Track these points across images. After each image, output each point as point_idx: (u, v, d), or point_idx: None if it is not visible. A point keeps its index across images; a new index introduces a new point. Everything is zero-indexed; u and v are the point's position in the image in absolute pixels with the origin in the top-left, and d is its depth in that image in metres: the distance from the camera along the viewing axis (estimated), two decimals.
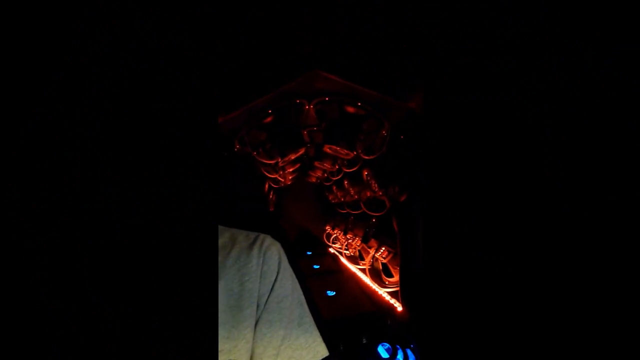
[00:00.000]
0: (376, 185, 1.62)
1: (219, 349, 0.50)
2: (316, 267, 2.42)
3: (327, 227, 2.99)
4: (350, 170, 1.78)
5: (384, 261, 1.71)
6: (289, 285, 0.60)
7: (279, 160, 1.65)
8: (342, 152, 1.65)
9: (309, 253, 2.82)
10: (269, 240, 0.62)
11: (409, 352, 1.16)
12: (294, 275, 0.62)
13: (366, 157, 1.50)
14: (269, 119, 1.41)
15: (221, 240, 0.59)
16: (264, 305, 0.55)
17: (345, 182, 2.18)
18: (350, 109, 1.40)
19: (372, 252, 1.82)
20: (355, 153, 1.59)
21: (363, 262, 2.01)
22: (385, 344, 1.24)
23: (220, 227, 0.62)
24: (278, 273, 0.59)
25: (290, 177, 2.36)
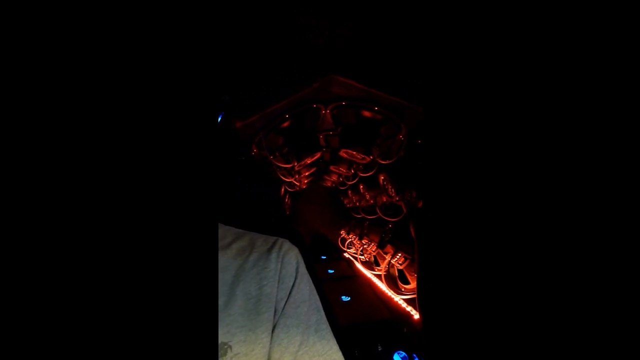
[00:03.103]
0: (393, 190, 1.60)
1: (236, 352, 0.50)
2: (331, 271, 2.41)
3: (342, 232, 2.98)
4: (366, 174, 1.77)
5: (400, 267, 1.69)
6: (307, 291, 0.60)
7: (295, 164, 1.66)
8: (358, 156, 1.64)
9: (323, 257, 2.82)
10: (287, 244, 0.62)
11: None
12: (311, 281, 0.62)
13: (382, 162, 1.49)
14: (286, 124, 1.43)
15: (240, 244, 0.59)
16: (282, 310, 0.55)
17: (361, 187, 2.17)
18: (367, 114, 1.39)
19: (388, 258, 1.80)
20: (371, 157, 1.58)
21: (379, 267, 1.99)
22: (401, 352, 1.22)
23: (239, 231, 0.62)
24: (296, 278, 0.59)
25: (305, 181, 2.37)
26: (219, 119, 0.58)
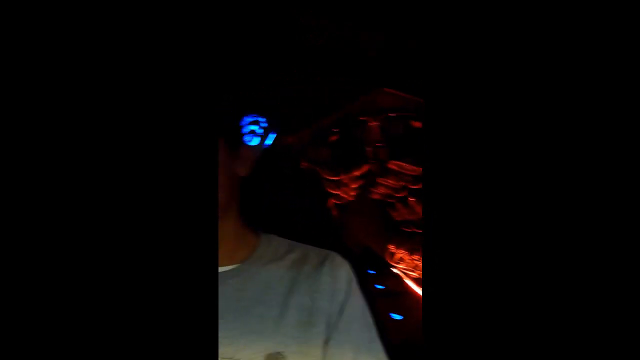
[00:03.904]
0: None
1: None
2: (380, 287, 2.33)
3: (391, 246, 2.89)
4: (417, 187, 1.70)
5: None
6: (359, 307, 0.59)
7: (343, 176, 1.66)
8: (408, 168, 1.60)
9: (372, 272, 2.74)
10: (339, 259, 0.62)
11: None
12: (363, 297, 0.61)
13: None
14: (334, 137, 1.45)
15: (294, 256, 0.61)
16: (334, 325, 0.55)
17: (411, 200, 2.10)
18: (417, 124, 1.36)
19: None
20: (421, 169, 1.52)
21: None
22: None
23: (292, 243, 0.64)
24: (348, 293, 0.59)
25: (353, 194, 2.36)
26: (273, 139, 0.60)
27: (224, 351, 0.47)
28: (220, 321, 0.50)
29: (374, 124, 1.42)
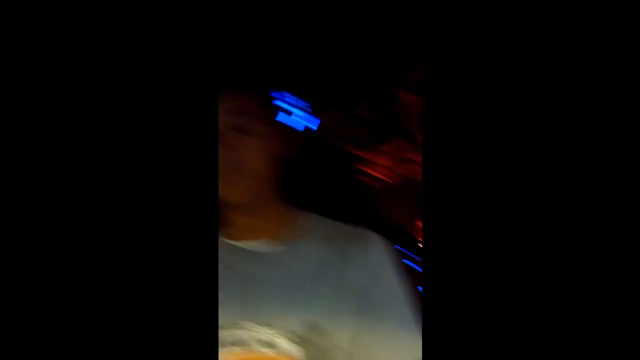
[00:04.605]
0: None
1: (324, 330, 0.54)
2: (411, 263, 2.34)
3: (419, 223, 2.86)
4: None
5: None
6: (392, 280, 0.61)
7: (374, 154, 1.65)
8: None
9: (401, 249, 2.75)
10: (372, 235, 0.64)
11: None
12: (396, 271, 0.62)
13: None
14: (365, 114, 1.42)
15: (330, 233, 0.63)
16: (368, 298, 0.57)
17: None
18: None
19: None
20: None
21: None
22: None
23: (327, 220, 0.66)
24: (381, 267, 0.61)
25: (384, 171, 2.34)
26: (317, 124, 0.61)
27: (262, 319, 0.52)
28: (261, 292, 0.54)
29: (407, 98, 1.38)
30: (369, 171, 1.97)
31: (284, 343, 0.52)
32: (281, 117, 0.60)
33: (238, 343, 0.51)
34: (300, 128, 0.64)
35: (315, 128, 0.62)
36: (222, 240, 0.55)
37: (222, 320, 0.37)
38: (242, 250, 0.58)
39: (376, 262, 0.59)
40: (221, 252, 0.40)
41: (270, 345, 0.51)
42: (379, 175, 2.34)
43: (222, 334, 0.49)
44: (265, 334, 0.52)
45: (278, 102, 0.59)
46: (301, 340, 0.53)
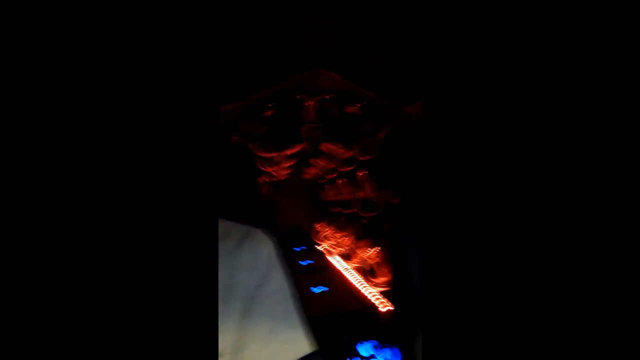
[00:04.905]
0: (370, 187, 1.63)
1: None
2: (305, 263, 2.43)
3: (317, 225, 3.00)
4: (346, 170, 1.78)
5: (372, 262, 1.73)
6: (278, 281, 0.61)
7: (275, 154, 1.65)
8: (339, 151, 1.65)
9: (298, 249, 2.83)
10: (260, 235, 0.63)
11: (391, 351, 1.18)
12: (283, 272, 0.63)
13: (362, 158, 1.51)
14: (268, 113, 1.42)
15: (218, 232, 0.59)
16: (253, 299, 0.56)
17: (339, 182, 2.19)
18: (351, 109, 1.40)
19: (361, 252, 1.84)
20: (351, 153, 1.59)
21: (352, 261, 2.03)
22: (367, 342, 1.26)
23: (220, 220, 0.62)
24: (268, 268, 0.60)
25: (284, 173, 2.37)
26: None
27: None
28: None
29: (309, 103, 1.42)
30: (268, 170, 1.96)
31: None
32: None
33: None
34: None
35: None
36: None
37: None
38: None
39: (265, 262, 0.58)
40: None
41: None
42: (279, 177, 2.35)
43: None
44: None
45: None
46: None
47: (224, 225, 0.61)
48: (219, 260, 0.56)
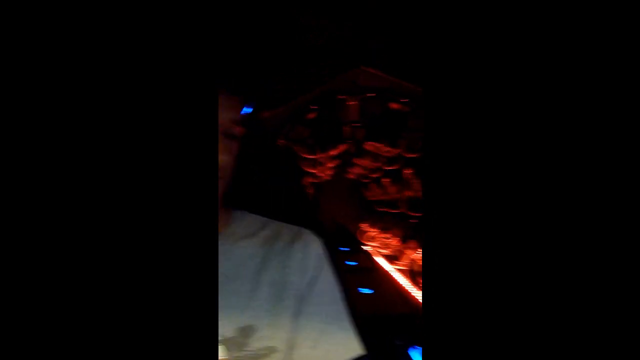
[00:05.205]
0: (418, 185, 1.57)
1: (261, 334, 0.52)
2: (352, 263, 2.42)
3: (363, 225, 2.97)
4: (391, 168, 1.74)
5: (422, 263, 1.67)
6: (328, 282, 0.61)
7: (319, 155, 1.66)
8: (384, 149, 1.62)
9: (344, 249, 2.83)
10: (310, 235, 0.63)
11: None
12: (333, 272, 0.63)
13: (408, 155, 1.46)
14: (312, 115, 1.43)
15: (266, 232, 0.61)
16: (305, 299, 0.57)
17: (385, 180, 2.15)
18: (394, 106, 1.37)
19: (410, 253, 1.78)
20: (397, 151, 1.55)
21: (400, 262, 1.98)
22: (419, 347, 1.21)
23: (264, 219, 0.64)
24: (318, 268, 0.60)
25: (329, 173, 2.38)
26: (249, 111, 0.59)
27: None
28: None
29: (352, 103, 1.42)
30: (314, 172, 1.99)
31: (220, 349, 0.49)
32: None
33: None
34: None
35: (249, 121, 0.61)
36: None
37: None
38: None
39: (315, 263, 0.59)
40: None
41: None
42: (324, 177, 2.37)
43: None
44: None
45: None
46: (237, 346, 0.50)
47: (273, 226, 0.63)
48: (270, 260, 0.57)
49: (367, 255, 2.67)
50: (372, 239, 2.64)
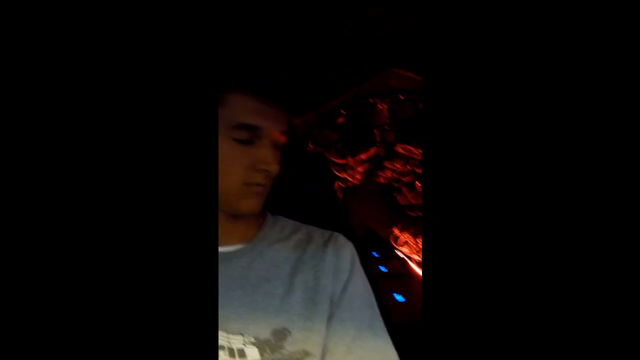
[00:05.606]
0: None
1: (295, 337, 0.53)
2: (383, 269, 2.37)
3: (394, 230, 2.90)
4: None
5: None
6: (361, 286, 0.61)
7: (350, 159, 1.66)
8: (415, 151, 1.58)
9: (375, 255, 2.77)
10: (342, 239, 0.63)
11: None
12: (365, 277, 0.62)
13: None
14: (341, 119, 1.43)
15: (298, 237, 0.62)
16: (337, 303, 0.57)
17: (418, 184, 2.09)
18: None
19: None
20: None
21: None
22: None
23: (297, 224, 0.65)
24: (351, 273, 0.60)
25: (359, 177, 2.36)
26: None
27: (231, 326, 0.49)
28: (227, 298, 0.52)
29: (382, 106, 1.40)
30: (345, 177, 1.99)
31: (254, 352, 0.50)
32: None
33: None
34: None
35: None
36: None
37: None
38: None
39: (347, 267, 0.58)
40: None
41: (240, 354, 0.49)
42: (354, 182, 2.36)
43: None
44: (236, 342, 0.49)
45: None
46: (271, 348, 0.51)
47: (305, 231, 0.63)
48: (304, 263, 0.58)
49: (401, 261, 2.60)
50: (405, 244, 2.57)
